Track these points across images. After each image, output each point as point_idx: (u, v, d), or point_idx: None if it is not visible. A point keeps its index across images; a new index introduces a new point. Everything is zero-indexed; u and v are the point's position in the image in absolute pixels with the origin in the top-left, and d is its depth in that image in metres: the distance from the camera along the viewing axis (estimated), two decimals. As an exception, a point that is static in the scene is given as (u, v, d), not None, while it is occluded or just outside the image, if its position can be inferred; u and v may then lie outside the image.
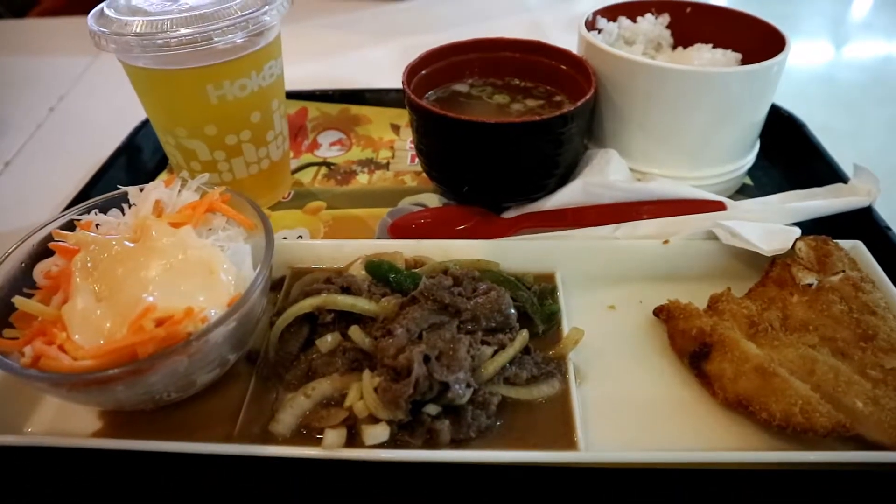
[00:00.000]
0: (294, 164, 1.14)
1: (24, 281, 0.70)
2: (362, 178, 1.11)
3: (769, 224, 0.84)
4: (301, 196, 1.07)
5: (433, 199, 1.04)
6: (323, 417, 0.65)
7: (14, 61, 1.68)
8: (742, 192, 1.04)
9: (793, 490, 0.63)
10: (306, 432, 0.66)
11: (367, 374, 0.66)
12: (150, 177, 1.12)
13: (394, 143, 1.20)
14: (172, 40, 0.80)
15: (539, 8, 1.91)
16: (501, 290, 0.73)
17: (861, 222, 0.89)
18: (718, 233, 0.82)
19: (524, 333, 0.72)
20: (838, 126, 1.26)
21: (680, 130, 0.95)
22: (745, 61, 1.00)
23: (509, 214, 0.96)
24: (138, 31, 0.81)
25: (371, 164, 1.14)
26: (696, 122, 0.93)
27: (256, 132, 0.94)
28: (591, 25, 1.05)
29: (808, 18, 1.85)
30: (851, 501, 0.63)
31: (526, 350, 0.72)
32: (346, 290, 0.74)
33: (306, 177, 1.12)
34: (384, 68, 1.51)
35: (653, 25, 1.07)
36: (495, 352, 0.70)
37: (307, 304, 0.72)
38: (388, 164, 1.14)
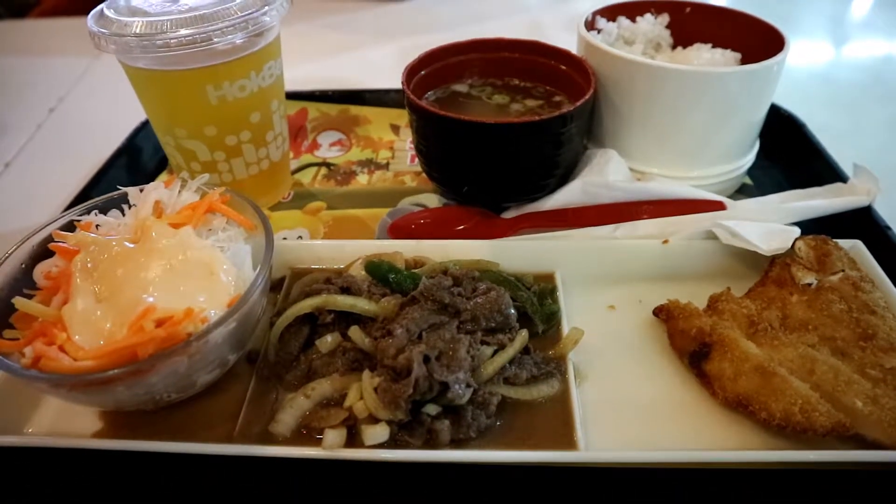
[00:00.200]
0: (294, 164, 1.14)
1: (24, 282, 0.70)
2: (362, 179, 1.11)
3: (769, 224, 0.84)
4: (301, 196, 1.07)
5: (433, 200, 1.05)
6: (323, 418, 0.66)
7: (14, 62, 1.68)
8: (742, 192, 1.04)
9: (793, 489, 0.63)
10: (306, 432, 0.66)
11: (366, 374, 0.66)
12: (150, 177, 1.12)
13: (393, 144, 1.20)
14: (172, 41, 0.80)
15: (538, 8, 1.91)
16: (501, 290, 0.73)
17: (861, 222, 0.89)
18: (718, 232, 0.82)
19: (524, 333, 0.72)
20: (838, 125, 1.26)
21: (679, 130, 0.95)
22: (744, 61, 1.00)
23: (509, 214, 0.96)
24: (138, 31, 0.81)
25: (371, 165, 1.14)
26: (696, 122, 0.93)
27: (256, 133, 0.94)
28: (590, 25, 1.05)
29: (807, 18, 1.85)
30: (851, 500, 0.63)
31: (526, 350, 0.72)
32: (345, 291, 0.75)
33: (306, 177, 1.12)
34: (384, 69, 1.51)
35: (652, 25, 1.07)
36: (495, 352, 0.70)
37: (307, 305, 0.72)
38: (387, 164, 1.14)
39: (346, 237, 0.98)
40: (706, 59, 1.01)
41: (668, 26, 1.09)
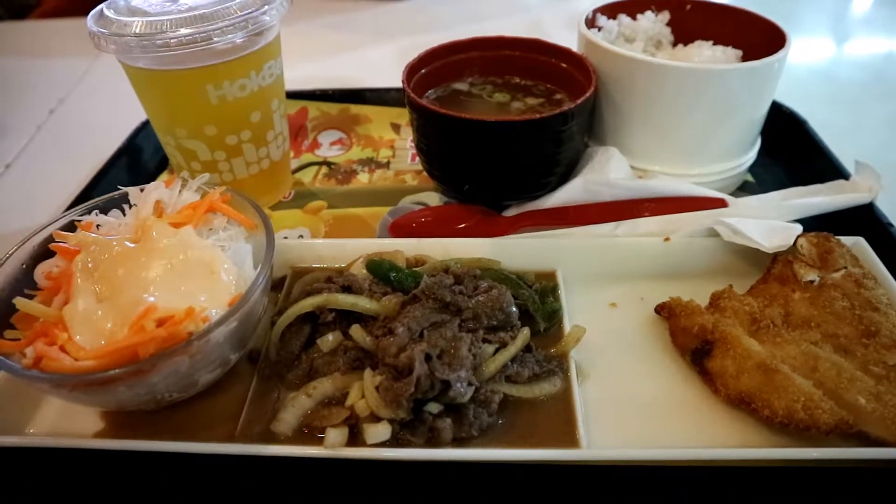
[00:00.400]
0: (294, 163, 1.14)
1: (25, 282, 0.70)
2: (363, 178, 1.11)
3: (771, 221, 0.84)
4: (302, 196, 1.07)
5: (434, 198, 1.04)
6: (324, 416, 0.65)
7: (14, 63, 1.68)
8: (743, 189, 1.03)
9: (795, 487, 0.63)
10: (308, 431, 0.66)
11: (368, 372, 0.66)
12: (150, 177, 1.12)
13: (394, 143, 1.20)
14: (172, 41, 0.80)
15: (539, 6, 1.91)
16: (503, 289, 0.73)
17: (863, 219, 0.89)
18: (720, 230, 0.82)
19: (525, 331, 0.72)
20: (839, 123, 1.26)
21: (681, 128, 0.95)
22: (745, 58, 1.00)
23: (510, 213, 0.96)
24: (138, 31, 0.81)
25: (371, 164, 1.14)
26: (697, 120, 0.93)
27: (256, 132, 0.94)
28: (591, 23, 1.05)
29: (808, 15, 1.84)
30: (854, 498, 0.63)
31: (527, 348, 0.72)
32: (347, 290, 0.74)
33: (307, 176, 1.12)
34: (384, 67, 1.51)
35: (653, 23, 1.07)
36: (497, 350, 0.70)
37: (308, 304, 0.72)
38: (388, 163, 1.14)
39: (347, 236, 0.98)
40: (707, 56, 1.00)
41: (668, 24, 1.09)
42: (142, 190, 0.77)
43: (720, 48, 1.02)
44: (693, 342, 0.72)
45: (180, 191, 0.77)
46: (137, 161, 1.16)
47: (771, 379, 0.65)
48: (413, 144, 1.14)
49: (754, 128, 0.99)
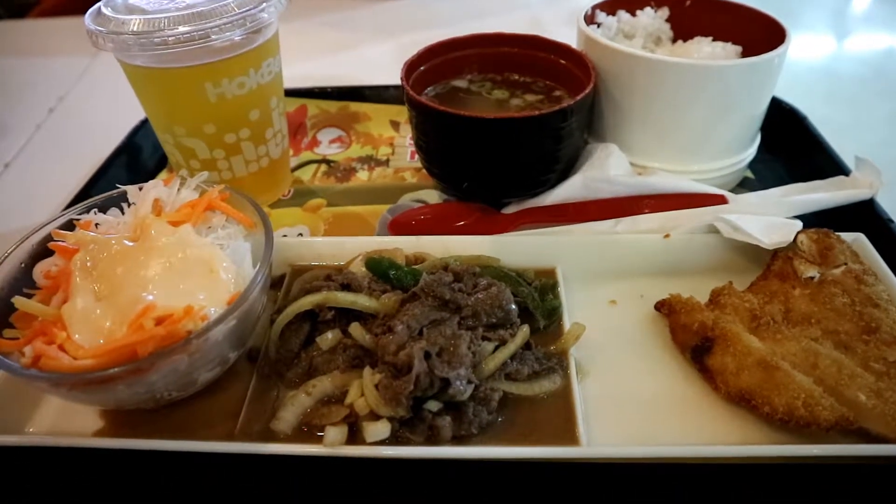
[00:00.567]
0: (294, 161, 1.14)
1: (24, 281, 0.70)
2: (362, 176, 1.11)
3: (771, 217, 0.84)
4: (301, 194, 1.07)
5: (433, 196, 1.04)
6: (324, 415, 0.65)
7: (13, 62, 1.68)
8: (743, 186, 1.03)
9: (796, 484, 0.63)
10: (307, 430, 0.66)
11: (367, 371, 0.66)
12: (149, 176, 1.12)
13: (393, 140, 1.19)
14: (170, 38, 0.80)
15: (538, 3, 1.90)
16: (502, 286, 0.73)
17: (863, 215, 0.89)
18: (720, 226, 0.82)
19: (525, 329, 0.72)
20: (840, 119, 1.25)
21: (680, 124, 0.94)
22: (745, 54, 0.99)
23: (509, 210, 0.96)
24: (136, 29, 0.80)
25: (371, 161, 1.14)
26: (697, 116, 0.93)
27: (255, 130, 0.94)
28: (590, 20, 1.04)
29: (808, 11, 1.84)
30: (855, 495, 0.63)
31: (527, 346, 0.72)
32: (346, 288, 0.74)
33: (306, 174, 1.12)
34: (383, 65, 1.51)
35: (652, 19, 1.07)
36: (496, 348, 0.70)
37: (307, 302, 0.72)
38: (387, 160, 1.14)
39: (347, 234, 0.97)
40: (707, 52, 1.00)
41: (667, 20, 1.08)
42: (140, 188, 0.77)
43: (720, 44, 1.01)
44: (693, 339, 0.72)
45: (179, 189, 0.77)
46: (136, 160, 1.16)
47: (771, 376, 0.65)
48: (412, 142, 1.14)
49: (754, 124, 0.99)
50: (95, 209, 0.76)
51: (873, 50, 1.68)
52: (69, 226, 0.74)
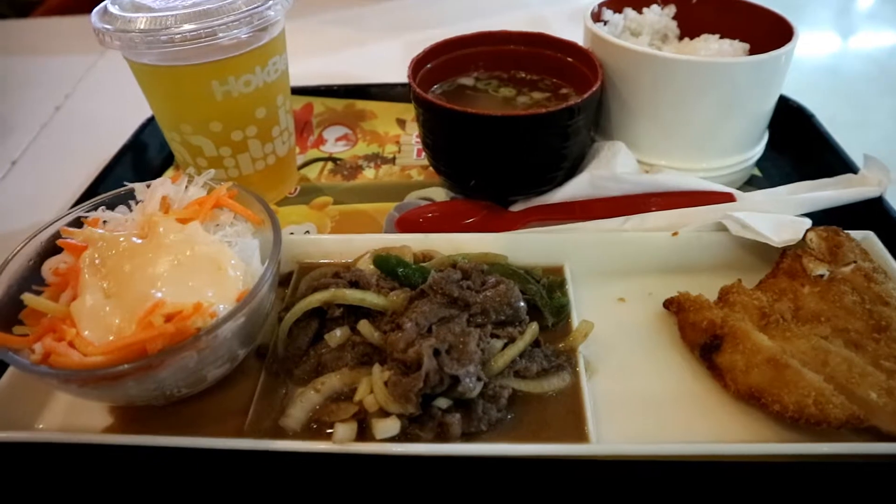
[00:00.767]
0: (300, 159, 1.14)
1: (33, 278, 0.70)
2: (368, 173, 1.11)
3: (779, 215, 0.83)
4: (307, 191, 1.07)
5: (440, 194, 1.04)
6: (333, 412, 0.65)
7: (19, 61, 1.68)
8: (751, 184, 1.03)
9: (806, 482, 0.62)
10: (316, 427, 0.66)
11: (376, 368, 0.66)
12: (156, 174, 1.11)
13: (400, 138, 1.19)
14: (176, 36, 0.80)
15: (543, 1, 1.90)
16: (510, 284, 0.73)
17: (872, 212, 0.89)
18: (728, 224, 0.81)
19: (534, 326, 0.72)
20: (847, 116, 1.25)
21: (688, 122, 0.94)
22: (752, 51, 0.99)
23: (517, 208, 0.96)
24: (142, 27, 0.80)
25: (377, 159, 1.14)
26: (704, 114, 0.93)
27: (262, 128, 0.94)
28: (596, 17, 1.04)
29: (815, 8, 1.83)
30: (865, 494, 0.62)
31: (536, 343, 0.72)
32: (354, 285, 0.74)
33: (312, 172, 1.12)
34: (389, 63, 1.51)
35: (659, 16, 1.07)
36: (505, 345, 0.70)
37: (316, 299, 0.72)
38: (394, 158, 1.14)
39: (354, 231, 0.97)
40: (714, 49, 1.00)
41: (674, 17, 1.08)
42: (148, 186, 0.77)
43: (727, 41, 1.01)
44: (702, 337, 0.71)
45: (186, 187, 0.77)
46: (143, 157, 1.16)
47: (781, 374, 0.65)
48: (419, 140, 1.14)
49: (762, 122, 0.99)
50: (103, 206, 0.76)
51: (880, 47, 1.67)
52: (77, 223, 0.74)
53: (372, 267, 0.78)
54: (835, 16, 1.83)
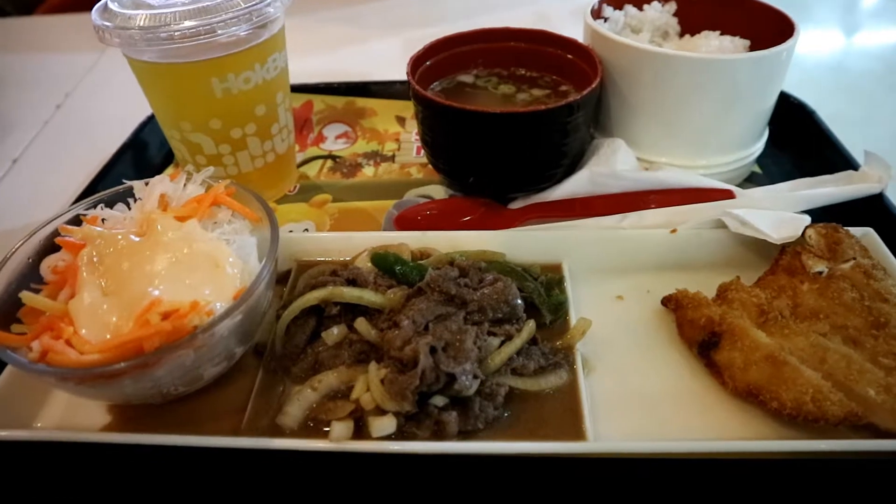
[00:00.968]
0: (299, 157, 1.14)
1: (31, 276, 0.70)
2: (368, 171, 1.11)
3: (779, 212, 0.83)
4: (307, 189, 1.07)
5: (439, 191, 1.04)
6: (330, 410, 0.65)
7: (20, 59, 1.69)
8: (751, 181, 1.03)
9: (804, 479, 0.62)
10: (313, 425, 0.66)
11: (373, 366, 0.66)
12: (156, 172, 1.10)
13: (399, 136, 1.19)
14: (176, 33, 0.80)
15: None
16: (508, 281, 0.73)
17: (872, 209, 0.88)
18: (727, 221, 0.81)
19: (531, 324, 0.72)
20: (848, 113, 1.24)
21: (687, 118, 0.94)
22: (753, 48, 0.99)
23: (516, 205, 0.95)
24: (142, 24, 0.80)
25: (377, 157, 1.14)
26: (704, 110, 0.92)
27: (261, 125, 0.94)
28: (596, 14, 1.04)
29: (817, 5, 1.83)
30: (863, 490, 0.62)
31: (533, 341, 0.72)
32: (352, 283, 0.74)
33: (312, 170, 1.12)
34: (389, 60, 1.50)
35: (659, 13, 1.06)
36: (502, 343, 0.70)
37: (313, 297, 0.72)
38: (393, 156, 1.14)
39: (353, 229, 0.97)
40: (714, 46, 0.99)
41: (675, 14, 1.07)
42: (147, 184, 0.77)
43: (728, 38, 1.01)
44: (700, 334, 0.71)
45: (185, 184, 0.77)
46: (143, 155, 1.16)
47: (779, 371, 0.65)
48: (418, 137, 1.14)
49: (762, 118, 0.98)
50: (102, 204, 0.77)
51: (882, 44, 1.66)
52: (76, 221, 0.74)
53: (370, 265, 0.78)
54: (838, 12, 1.82)
